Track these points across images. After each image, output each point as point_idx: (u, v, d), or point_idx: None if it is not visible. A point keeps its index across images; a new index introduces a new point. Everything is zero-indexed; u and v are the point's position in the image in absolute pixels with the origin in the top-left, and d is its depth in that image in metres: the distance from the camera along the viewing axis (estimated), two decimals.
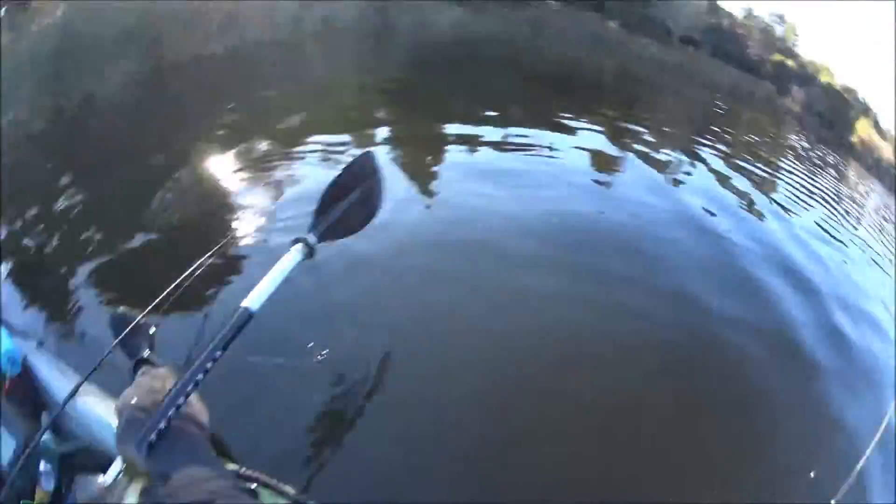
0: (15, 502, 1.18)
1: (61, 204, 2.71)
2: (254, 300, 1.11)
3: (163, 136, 3.65)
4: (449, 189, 3.20)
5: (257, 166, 3.29)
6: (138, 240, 2.48)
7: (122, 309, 1.81)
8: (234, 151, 3.41)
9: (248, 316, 1.09)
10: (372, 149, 1.84)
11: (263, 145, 3.61)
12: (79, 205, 2.73)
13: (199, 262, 1.96)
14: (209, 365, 0.97)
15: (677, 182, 4.59)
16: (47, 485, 1.23)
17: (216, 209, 2.78)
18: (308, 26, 8.29)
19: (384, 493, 1.52)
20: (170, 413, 0.87)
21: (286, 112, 4.41)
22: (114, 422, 1.09)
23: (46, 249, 2.45)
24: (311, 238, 1.35)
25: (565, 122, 5.51)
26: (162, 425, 0.84)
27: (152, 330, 1.65)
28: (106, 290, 2.19)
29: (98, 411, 1.38)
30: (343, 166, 1.58)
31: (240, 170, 3.22)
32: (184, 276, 1.82)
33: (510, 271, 2.39)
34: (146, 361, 1.41)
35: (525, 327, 2.14)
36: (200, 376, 0.95)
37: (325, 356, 1.84)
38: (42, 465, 1.24)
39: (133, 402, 0.92)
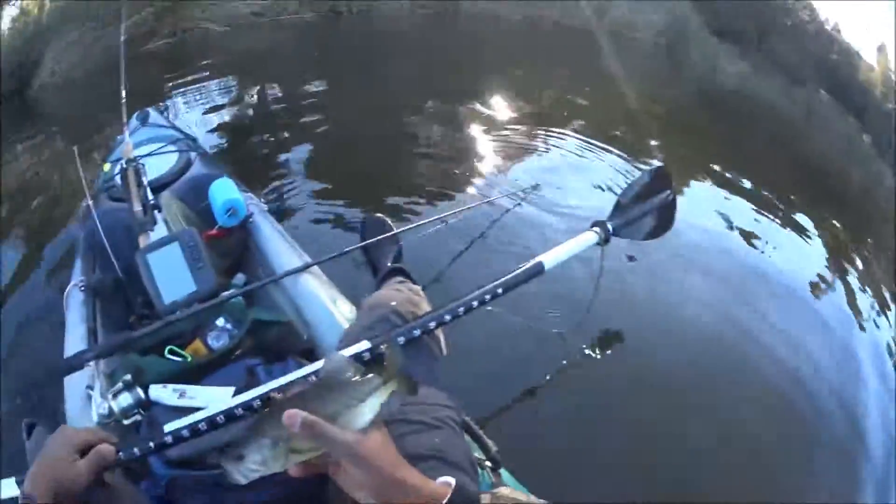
0: (161, 343, 1.05)
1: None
2: (549, 259, 1.22)
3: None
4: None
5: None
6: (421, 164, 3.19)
7: (378, 214, 2.00)
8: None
9: (540, 269, 1.19)
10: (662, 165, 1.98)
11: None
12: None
13: (475, 203, 2.31)
14: (487, 298, 1.02)
15: None
16: (215, 341, 1.05)
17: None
18: (605, 24, 8.79)
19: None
20: (428, 326, 0.88)
21: (575, 100, 4.94)
22: (336, 310, 1.25)
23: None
24: (609, 226, 1.45)
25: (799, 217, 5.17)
26: (416, 333, 0.87)
27: (400, 242, 1.88)
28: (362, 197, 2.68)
29: (319, 293, 1.27)
30: (644, 170, 1.71)
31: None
32: (455, 211, 2.06)
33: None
34: (401, 272, 1.55)
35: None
36: (475, 304, 0.99)
37: (562, 331, 1.87)
38: (221, 321, 1.07)
39: (392, 304, 0.94)
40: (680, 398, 1.86)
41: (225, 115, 4.13)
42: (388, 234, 1.65)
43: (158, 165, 1.74)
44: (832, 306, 3.32)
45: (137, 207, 1.30)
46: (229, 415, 0.75)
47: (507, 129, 4.13)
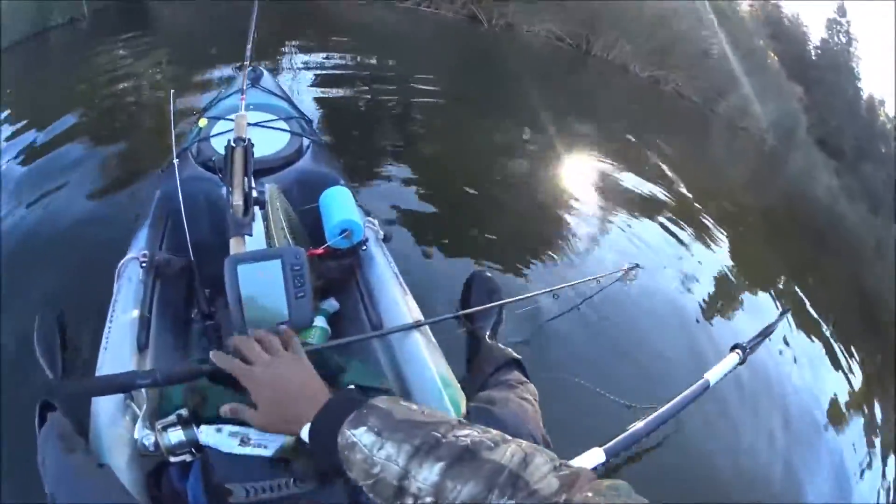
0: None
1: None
2: (713, 377, 1.36)
3: None
4: None
5: None
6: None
7: (487, 274, 1.91)
8: None
9: (707, 386, 1.32)
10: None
11: None
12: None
13: (583, 280, 2.16)
14: (659, 424, 1.14)
15: None
16: None
17: None
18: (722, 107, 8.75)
19: None
20: None
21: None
22: (441, 382, 1.01)
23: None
24: (748, 348, 1.61)
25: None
26: None
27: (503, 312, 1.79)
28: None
29: (426, 358, 1.07)
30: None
31: None
32: (566, 285, 1.91)
33: None
34: (519, 365, 1.43)
35: None
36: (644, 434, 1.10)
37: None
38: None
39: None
40: None
41: (334, 96, 3.93)
42: (496, 304, 1.57)
43: (266, 142, 1.54)
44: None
45: (238, 201, 1.03)
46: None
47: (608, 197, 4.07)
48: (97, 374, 0.93)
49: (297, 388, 0.65)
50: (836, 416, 3.18)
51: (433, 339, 1.14)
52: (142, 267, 1.19)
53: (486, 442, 0.50)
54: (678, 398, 1.20)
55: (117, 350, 0.98)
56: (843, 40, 20.17)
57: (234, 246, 0.98)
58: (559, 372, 1.61)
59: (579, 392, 1.65)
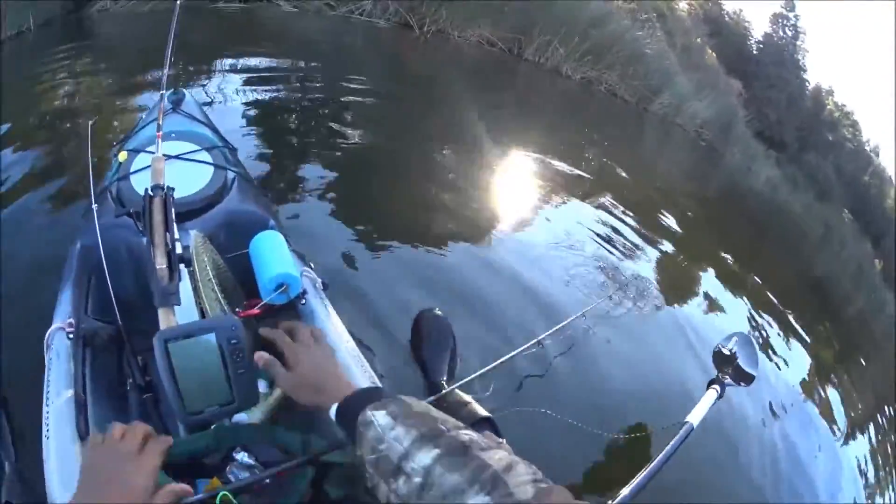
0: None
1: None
2: (695, 418, 1.28)
3: None
4: None
5: None
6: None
7: (437, 312, 1.81)
8: None
9: (691, 429, 1.23)
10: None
11: None
12: None
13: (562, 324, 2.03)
14: (647, 481, 1.04)
15: None
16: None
17: None
18: (656, 105, 8.95)
19: None
20: None
21: None
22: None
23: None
24: (726, 383, 1.53)
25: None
26: None
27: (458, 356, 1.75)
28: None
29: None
30: (730, 334, 1.72)
31: None
32: (547, 334, 1.84)
33: None
34: (491, 424, 1.39)
35: None
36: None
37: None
38: (243, 456, 0.78)
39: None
40: None
41: (262, 109, 3.83)
42: (489, 368, 1.49)
43: (188, 179, 1.44)
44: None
45: (161, 264, 0.91)
46: None
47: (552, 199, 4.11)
48: (45, 465, 0.90)
49: (332, 371, 0.76)
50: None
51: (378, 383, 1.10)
52: (69, 339, 1.11)
53: (481, 444, 0.56)
54: (665, 450, 1.14)
55: (59, 440, 0.94)
56: (790, 34, 21.11)
57: (163, 318, 0.89)
58: (527, 405, 1.52)
59: (552, 425, 1.53)
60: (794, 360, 4.16)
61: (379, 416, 0.62)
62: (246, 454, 0.79)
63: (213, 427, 0.81)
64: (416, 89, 5.40)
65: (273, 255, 1.25)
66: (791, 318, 4.96)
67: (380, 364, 1.21)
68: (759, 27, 21.89)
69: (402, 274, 2.38)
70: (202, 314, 1.07)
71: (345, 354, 1.14)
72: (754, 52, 21.25)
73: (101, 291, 1.18)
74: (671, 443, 1.14)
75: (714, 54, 16.50)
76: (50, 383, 1.03)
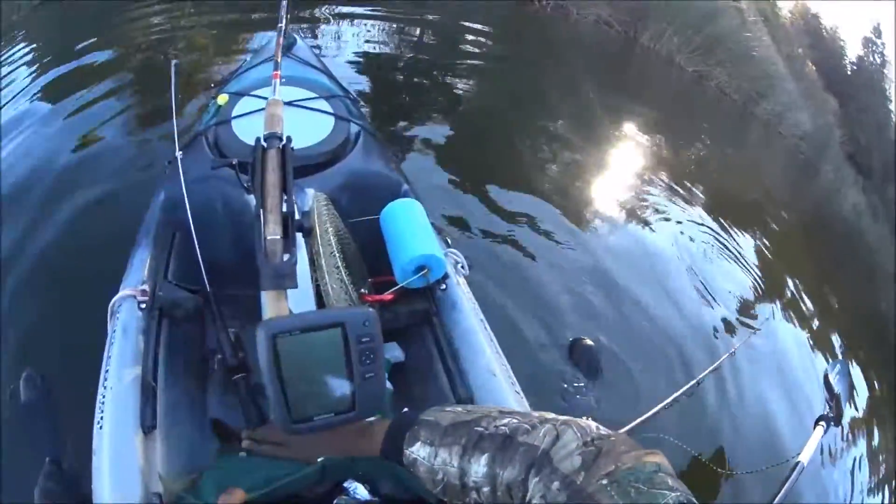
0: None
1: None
2: (806, 457, 1.30)
3: None
4: None
5: None
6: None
7: (588, 342, 1.78)
8: None
9: (802, 468, 1.26)
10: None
11: None
12: None
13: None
14: None
15: None
16: None
17: None
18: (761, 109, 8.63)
19: None
20: None
21: None
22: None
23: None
24: (831, 419, 1.58)
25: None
26: None
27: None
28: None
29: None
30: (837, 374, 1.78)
31: None
32: (686, 387, 1.79)
33: None
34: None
35: None
36: None
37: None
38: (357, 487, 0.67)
39: None
40: None
41: (373, 62, 3.64)
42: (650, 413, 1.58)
43: (304, 129, 1.23)
44: None
45: (273, 233, 0.69)
46: None
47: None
48: (94, 458, 0.73)
49: (353, 433, 0.67)
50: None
51: (526, 403, 0.92)
52: (140, 309, 0.93)
53: (524, 426, 0.55)
54: (781, 491, 1.17)
55: (116, 430, 0.77)
56: (878, 60, 19.90)
57: (271, 303, 0.68)
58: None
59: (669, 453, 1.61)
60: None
61: (417, 450, 0.59)
62: (360, 485, 0.67)
63: (319, 460, 0.66)
64: (532, 60, 5.30)
65: (415, 231, 1.06)
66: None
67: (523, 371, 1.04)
68: (852, 48, 20.69)
69: (541, 267, 2.32)
70: (318, 295, 0.90)
71: (490, 360, 0.96)
72: (848, 72, 20.09)
73: (188, 254, 0.96)
74: (786, 484, 1.14)
75: (814, 67, 15.66)
76: (111, 361, 0.85)
